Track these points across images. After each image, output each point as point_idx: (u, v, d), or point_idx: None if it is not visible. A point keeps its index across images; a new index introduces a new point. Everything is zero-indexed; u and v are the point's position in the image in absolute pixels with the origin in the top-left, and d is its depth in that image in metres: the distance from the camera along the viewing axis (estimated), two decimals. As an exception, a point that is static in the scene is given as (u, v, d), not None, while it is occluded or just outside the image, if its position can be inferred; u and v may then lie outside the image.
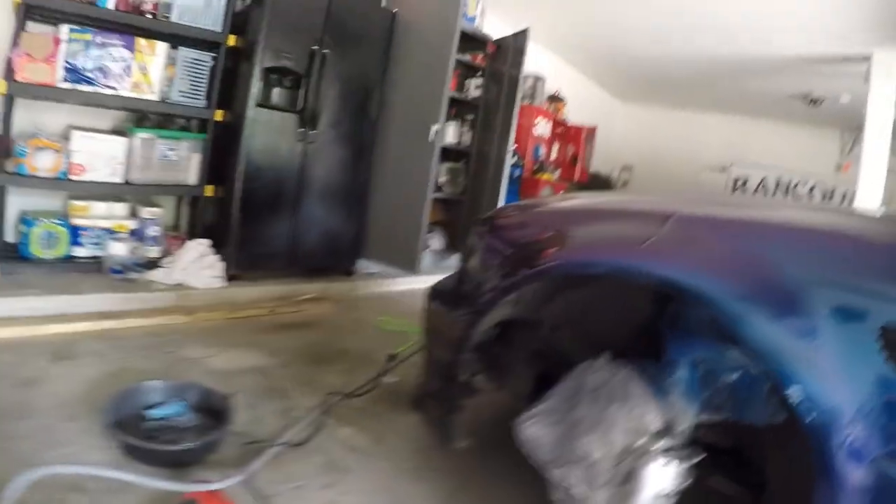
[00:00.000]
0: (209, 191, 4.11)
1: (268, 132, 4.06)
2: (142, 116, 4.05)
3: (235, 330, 3.47)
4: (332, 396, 2.71)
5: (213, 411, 2.38)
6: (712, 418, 1.83)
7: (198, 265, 3.91)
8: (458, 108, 5.65)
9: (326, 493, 2.12)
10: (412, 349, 3.20)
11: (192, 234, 4.13)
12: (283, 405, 2.65)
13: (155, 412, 2.35)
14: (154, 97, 3.82)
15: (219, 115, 4.01)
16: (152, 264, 3.89)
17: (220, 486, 2.00)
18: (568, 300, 2.18)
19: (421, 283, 4.71)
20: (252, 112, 3.92)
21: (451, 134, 5.51)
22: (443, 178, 5.57)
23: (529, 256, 1.91)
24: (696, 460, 1.68)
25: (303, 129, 4.16)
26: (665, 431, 1.70)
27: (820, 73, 6.29)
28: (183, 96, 3.92)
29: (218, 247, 4.02)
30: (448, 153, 5.49)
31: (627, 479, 1.69)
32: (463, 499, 2.21)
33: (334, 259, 4.67)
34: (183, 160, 4.03)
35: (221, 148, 4.04)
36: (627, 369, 1.81)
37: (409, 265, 4.85)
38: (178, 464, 2.09)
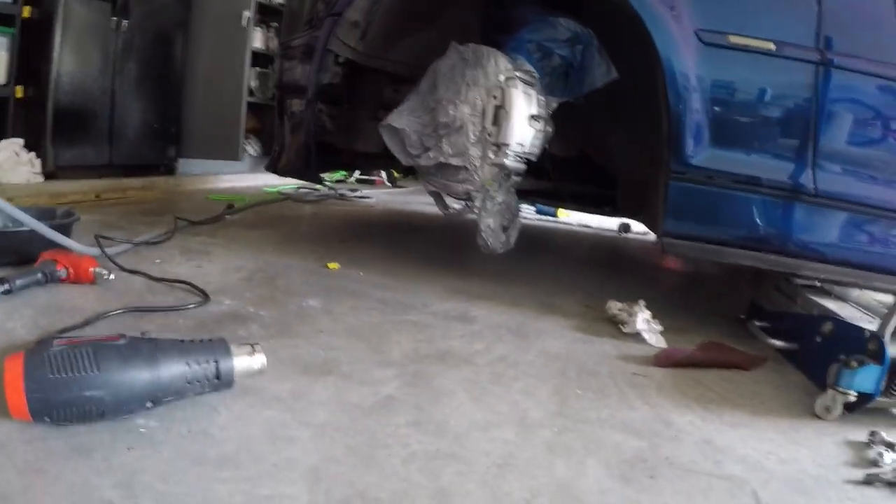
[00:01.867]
0: (19, 91, 3.93)
1: (79, 25, 3.95)
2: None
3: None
4: (180, 221, 2.79)
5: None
6: (556, 101, 2.11)
7: (13, 162, 3.75)
8: (264, 14, 5.67)
9: (191, 262, 2.24)
10: (247, 204, 3.34)
11: (3, 136, 3.93)
12: (129, 233, 2.64)
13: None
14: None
15: (27, 12, 3.84)
16: (-39, 175, 3.65)
17: (77, 247, 2.01)
18: (409, 46, 2.42)
19: (243, 180, 4.85)
20: (63, 2, 3.81)
21: (258, 39, 5.57)
22: (254, 83, 5.58)
23: None
24: (553, 106, 1.99)
25: (115, 19, 4.09)
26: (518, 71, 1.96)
27: None
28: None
29: (33, 147, 3.86)
30: (257, 58, 5.51)
31: (496, 119, 1.93)
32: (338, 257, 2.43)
33: (155, 156, 4.67)
34: (-11, 58, 3.81)
35: (31, 43, 3.88)
36: (473, 43, 2.02)
37: (233, 154, 4.99)
38: (25, 254, 2.00)
